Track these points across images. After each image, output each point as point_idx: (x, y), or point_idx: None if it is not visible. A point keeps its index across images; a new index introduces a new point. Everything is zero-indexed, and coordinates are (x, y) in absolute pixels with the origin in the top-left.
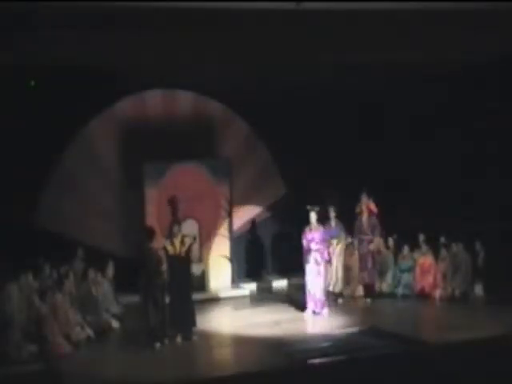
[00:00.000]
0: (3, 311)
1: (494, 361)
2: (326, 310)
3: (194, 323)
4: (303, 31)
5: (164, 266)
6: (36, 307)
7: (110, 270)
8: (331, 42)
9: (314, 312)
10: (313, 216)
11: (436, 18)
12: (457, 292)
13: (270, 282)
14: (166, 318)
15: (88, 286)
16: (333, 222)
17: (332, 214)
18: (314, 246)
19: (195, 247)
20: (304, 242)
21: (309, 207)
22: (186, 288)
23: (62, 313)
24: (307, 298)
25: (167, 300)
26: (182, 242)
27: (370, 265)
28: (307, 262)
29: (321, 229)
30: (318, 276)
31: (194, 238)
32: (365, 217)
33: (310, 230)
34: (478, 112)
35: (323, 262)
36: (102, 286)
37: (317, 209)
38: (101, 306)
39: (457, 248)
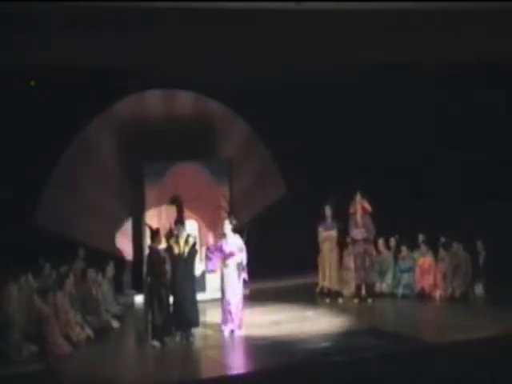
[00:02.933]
0: (3, 311)
1: (494, 361)
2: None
3: (196, 323)
4: (303, 31)
5: (168, 266)
6: (36, 307)
7: (110, 270)
8: (331, 41)
9: (232, 332)
10: (227, 226)
11: (436, 18)
12: (457, 292)
13: (269, 282)
14: (169, 317)
15: (88, 286)
16: (329, 220)
17: (328, 212)
18: (230, 261)
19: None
20: (212, 258)
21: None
22: (191, 288)
23: (63, 313)
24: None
25: (171, 300)
26: (186, 242)
27: (366, 264)
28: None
29: (238, 238)
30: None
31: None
32: (359, 216)
33: (226, 241)
34: (479, 112)
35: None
36: (102, 285)
37: (234, 220)
38: (101, 306)
39: (457, 247)
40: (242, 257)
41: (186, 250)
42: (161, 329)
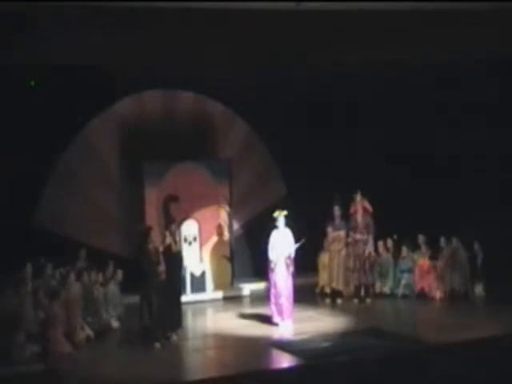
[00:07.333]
0: (6, 312)
1: (494, 361)
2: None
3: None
4: (303, 31)
5: (161, 267)
6: (39, 308)
7: (119, 273)
8: (331, 41)
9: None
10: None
11: (436, 18)
12: (456, 288)
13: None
14: (162, 318)
15: (89, 286)
16: (337, 220)
17: (337, 212)
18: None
19: (195, 247)
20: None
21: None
22: (180, 287)
23: (64, 313)
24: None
25: (165, 300)
26: (175, 241)
27: (367, 265)
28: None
29: (288, 232)
30: None
31: (195, 238)
32: (359, 216)
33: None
34: (477, 112)
35: None
36: (109, 288)
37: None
38: (102, 307)
39: (456, 243)
40: (290, 250)
41: (177, 249)
42: (156, 329)
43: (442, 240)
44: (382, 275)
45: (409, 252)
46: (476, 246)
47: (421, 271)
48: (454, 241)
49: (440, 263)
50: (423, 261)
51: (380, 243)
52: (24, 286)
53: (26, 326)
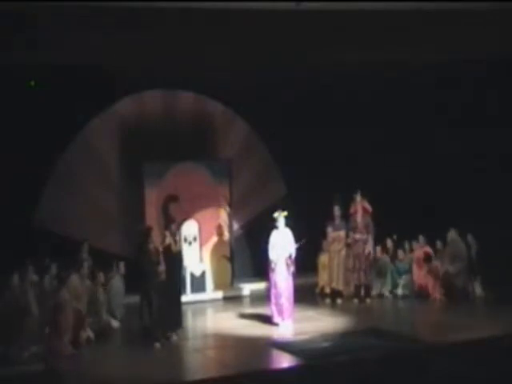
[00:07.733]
0: (7, 311)
1: (494, 361)
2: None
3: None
4: (303, 31)
5: (161, 267)
6: (44, 308)
7: (121, 265)
8: (331, 41)
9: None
10: (281, 219)
11: (436, 18)
12: (454, 281)
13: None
14: (162, 318)
15: (91, 287)
16: (337, 220)
17: (337, 212)
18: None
19: (195, 247)
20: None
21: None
22: (180, 287)
23: (66, 314)
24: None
25: (165, 300)
26: (175, 241)
27: (365, 265)
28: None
29: (288, 232)
30: None
31: (195, 239)
32: (359, 216)
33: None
34: (477, 112)
35: None
36: (108, 286)
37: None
38: (102, 307)
39: (455, 235)
40: (291, 250)
41: (177, 249)
42: (156, 329)
43: (439, 243)
44: (381, 275)
45: (406, 254)
46: (469, 238)
47: (418, 263)
48: (453, 232)
49: (438, 264)
50: (419, 253)
51: (378, 248)
52: (26, 280)
53: (28, 326)
